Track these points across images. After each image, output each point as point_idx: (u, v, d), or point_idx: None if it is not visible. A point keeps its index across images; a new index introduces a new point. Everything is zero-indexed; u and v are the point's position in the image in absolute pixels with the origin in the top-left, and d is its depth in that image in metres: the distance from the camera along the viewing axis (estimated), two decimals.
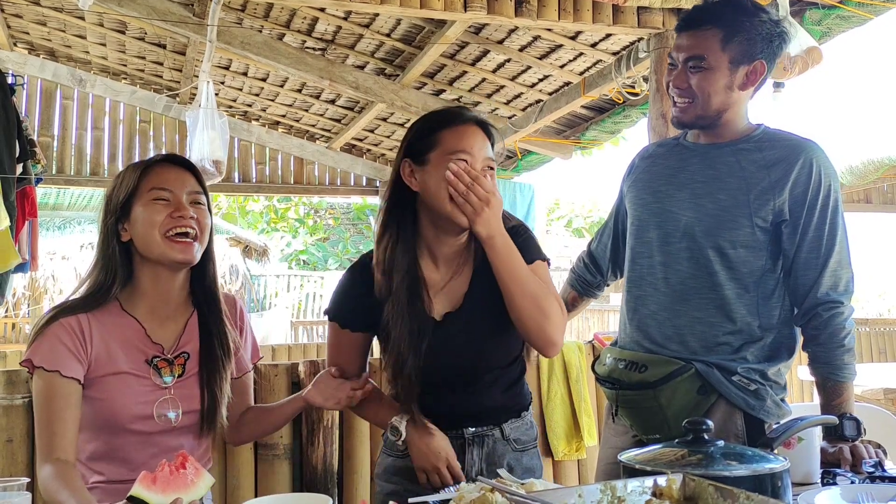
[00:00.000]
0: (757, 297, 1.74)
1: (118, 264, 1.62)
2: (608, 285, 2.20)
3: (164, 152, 1.79)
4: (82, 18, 5.50)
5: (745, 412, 1.70)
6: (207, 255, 1.68)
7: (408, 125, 6.91)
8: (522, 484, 1.44)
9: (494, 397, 1.75)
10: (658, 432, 1.73)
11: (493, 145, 1.67)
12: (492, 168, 1.64)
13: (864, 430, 1.65)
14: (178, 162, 1.69)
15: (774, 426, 1.72)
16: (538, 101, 5.29)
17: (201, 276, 1.70)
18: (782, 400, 1.77)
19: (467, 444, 1.74)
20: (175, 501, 1.27)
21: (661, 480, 1.14)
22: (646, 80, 4.12)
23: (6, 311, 9.93)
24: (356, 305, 1.74)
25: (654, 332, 1.81)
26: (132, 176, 1.64)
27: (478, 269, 1.70)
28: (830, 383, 1.70)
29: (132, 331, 1.63)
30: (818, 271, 1.71)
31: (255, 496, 2.42)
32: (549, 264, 1.74)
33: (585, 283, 2.17)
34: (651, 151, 1.99)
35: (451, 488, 1.51)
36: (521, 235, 1.69)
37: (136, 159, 6.98)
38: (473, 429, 1.74)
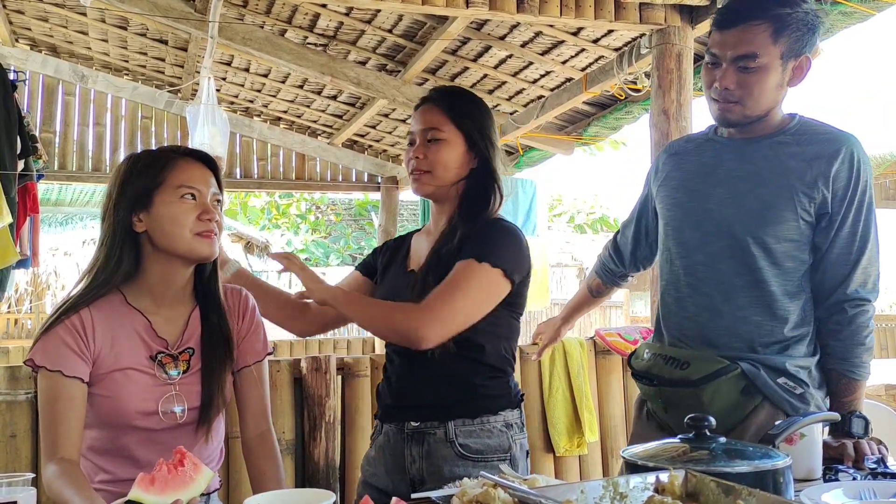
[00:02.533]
0: (801, 290, 1.71)
1: (125, 254, 1.60)
2: (632, 276, 2.19)
3: (179, 145, 1.73)
4: (84, 14, 5.49)
5: (787, 413, 1.67)
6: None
7: (409, 121, 6.91)
8: (525, 480, 1.44)
9: (440, 390, 1.69)
10: None
11: None
12: None
13: (871, 430, 1.64)
14: (202, 159, 1.67)
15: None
16: (540, 97, 5.28)
17: (202, 269, 1.69)
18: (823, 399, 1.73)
19: (406, 440, 1.71)
20: (176, 502, 1.24)
21: (664, 476, 1.15)
22: (648, 76, 4.11)
23: (9, 308, 9.95)
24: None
25: (695, 336, 1.77)
26: (157, 167, 1.61)
27: (441, 233, 1.77)
28: (845, 380, 1.68)
29: (137, 324, 1.61)
30: (850, 268, 1.68)
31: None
32: (493, 265, 1.64)
33: (610, 272, 2.17)
34: (678, 148, 1.93)
35: (453, 485, 1.51)
36: (473, 233, 1.70)
37: None
38: (415, 423, 1.70)
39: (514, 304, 1.74)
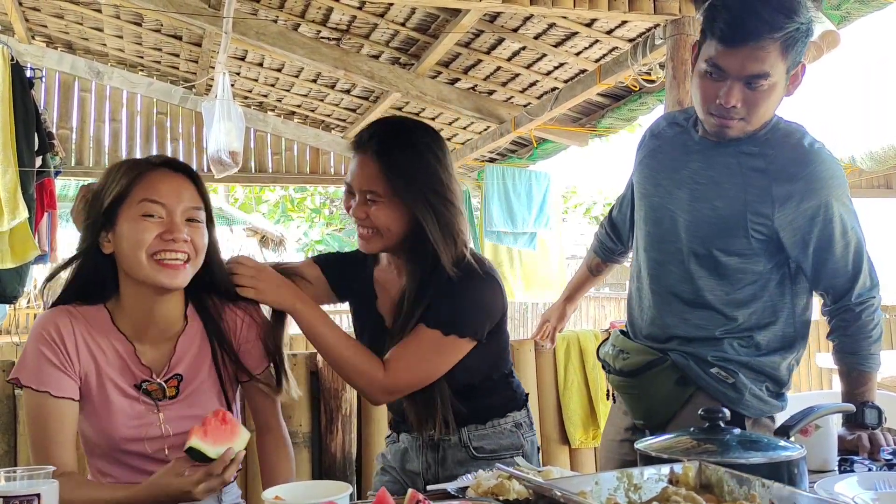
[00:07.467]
0: (755, 300, 1.71)
1: (99, 277, 1.49)
2: (630, 251, 2.19)
3: (159, 153, 1.55)
4: (99, 11, 5.53)
5: (723, 404, 1.66)
6: (210, 267, 1.54)
7: (423, 114, 6.88)
8: (539, 471, 1.45)
9: (446, 405, 1.65)
10: (643, 418, 1.78)
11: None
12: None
13: (885, 418, 1.64)
14: (179, 168, 1.51)
15: (773, 423, 1.72)
16: (554, 89, 5.26)
17: (206, 286, 1.56)
18: (779, 395, 1.74)
19: (422, 447, 1.72)
20: (227, 451, 1.30)
21: (678, 468, 1.15)
22: (662, 66, 4.09)
23: (28, 303, 10.06)
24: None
25: (645, 327, 1.82)
26: (123, 180, 1.46)
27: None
28: (856, 373, 1.68)
29: (122, 349, 1.51)
30: (852, 278, 1.68)
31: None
32: (460, 336, 1.60)
33: (608, 250, 2.15)
34: (660, 130, 1.91)
35: (468, 476, 1.52)
36: (442, 293, 1.59)
37: (154, 150, 7.03)
38: (430, 432, 1.69)
39: (495, 333, 1.71)
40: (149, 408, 1.51)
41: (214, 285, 1.58)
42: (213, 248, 1.55)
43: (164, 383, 1.52)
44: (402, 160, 1.58)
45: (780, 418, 1.68)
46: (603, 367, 1.92)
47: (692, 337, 1.73)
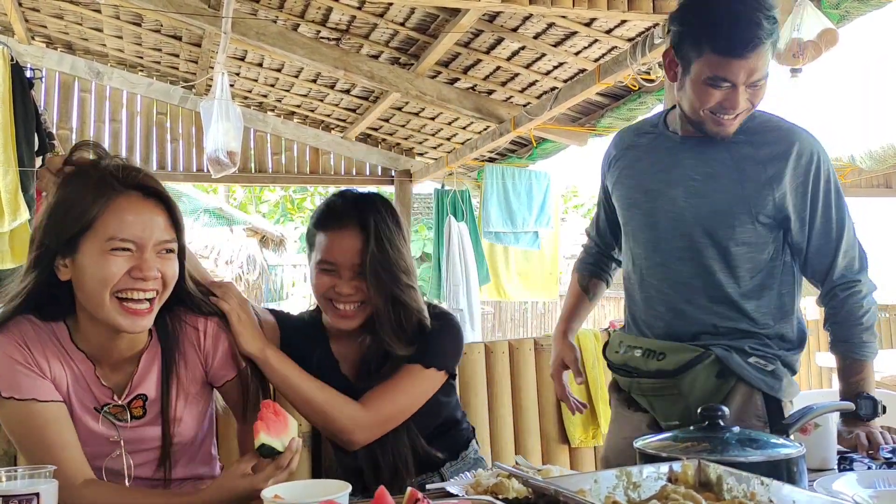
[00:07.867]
0: (764, 290, 1.72)
1: (54, 300, 1.39)
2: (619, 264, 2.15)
3: (126, 164, 1.35)
4: (99, 11, 5.54)
5: (763, 392, 1.69)
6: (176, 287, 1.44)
7: (423, 114, 6.86)
8: (539, 470, 1.45)
9: (418, 449, 1.70)
10: (679, 419, 1.72)
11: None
12: None
13: (884, 407, 1.64)
14: (151, 193, 1.38)
15: (791, 406, 1.73)
16: (553, 89, 5.26)
17: (167, 306, 1.45)
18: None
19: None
20: (292, 441, 1.31)
21: (677, 466, 1.15)
22: (661, 66, 4.09)
23: None
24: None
25: (662, 332, 1.79)
26: (88, 208, 1.33)
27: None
28: (849, 361, 1.70)
29: (83, 367, 1.42)
30: (831, 257, 1.70)
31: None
32: (438, 368, 1.67)
33: (604, 266, 2.10)
34: (630, 141, 1.90)
35: (467, 474, 1.52)
36: (425, 334, 1.67)
37: (154, 150, 7.03)
38: (413, 479, 1.71)
39: (452, 376, 1.78)
40: (111, 431, 1.44)
41: (179, 301, 1.50)
42: (180, 267, 1.45)
43: (126, 405, 1.44)
44: (382, 230, 1.64)
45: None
46: (619, 372, 1.85)
47: (726, 328, 1.73)
